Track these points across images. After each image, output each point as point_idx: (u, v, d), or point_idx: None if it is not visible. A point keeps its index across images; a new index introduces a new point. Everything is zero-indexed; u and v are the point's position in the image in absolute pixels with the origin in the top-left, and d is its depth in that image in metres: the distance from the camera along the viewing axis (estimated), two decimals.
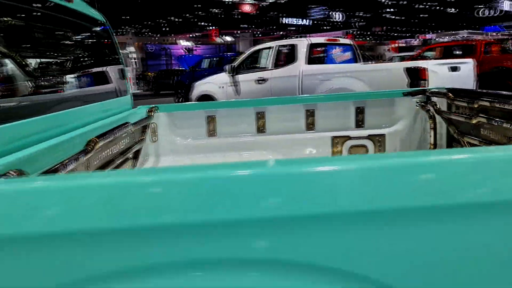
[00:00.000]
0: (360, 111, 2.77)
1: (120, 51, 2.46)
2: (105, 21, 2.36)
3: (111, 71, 2.44)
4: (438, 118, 2.61)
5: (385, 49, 33.34)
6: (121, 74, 2.52)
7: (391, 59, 20.31)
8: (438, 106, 2.59)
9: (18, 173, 1.05)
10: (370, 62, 11.76)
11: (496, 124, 1.99)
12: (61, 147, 1.44)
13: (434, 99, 2.64)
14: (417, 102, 2.73)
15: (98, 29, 2.30)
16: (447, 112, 2.52)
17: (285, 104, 2.79)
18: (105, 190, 0.83)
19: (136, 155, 2.36)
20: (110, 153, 1.93)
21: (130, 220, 0.82)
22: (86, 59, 2.23)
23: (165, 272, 0.87)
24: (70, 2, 1.87)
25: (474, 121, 2.16)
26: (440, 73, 5.99)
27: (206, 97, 9.04)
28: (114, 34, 2.49)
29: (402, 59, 15.85)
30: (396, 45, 30.76)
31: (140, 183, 0.84)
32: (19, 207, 0.82)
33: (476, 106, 2.16)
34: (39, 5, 1.68)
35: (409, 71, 6.03)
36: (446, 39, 21.75)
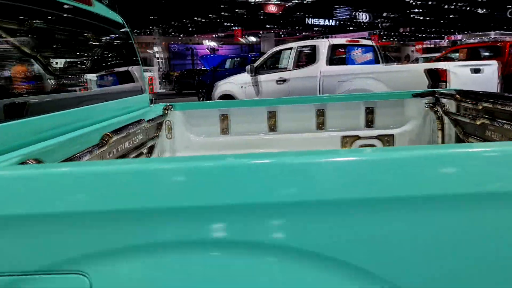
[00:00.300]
0: (369, 112, 2.81)
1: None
2: (124, 23, 2.49)
3: (129, 71, 2.57)
4: (446, 119, 2.64)
5: (412, 50, 32.83)
6: (138, 74, 2.65)
7: (416, 60, 20.01)
8: (446, 107, 2.62)
9: (36, 162, 1.16)
10: (395, 63, 11.66)
11: (497, 125, 2.02)
12: (78, 141, 1.56)
13: (443, 100, 2.66)
14: (426, 103, 2.75)
15: (117, 30, 2.43)
16: (454, 113, 2.55)
17: (296, 104, 2.86)
18: (111, 176, 0.94)
19: (150, 151, 2.48)
20: (124, 147, 2.05)
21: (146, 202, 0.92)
22: (105, 59, 2.36)
23: (182, 250, 0.95)
24: (91, 5, 2.00)
25: (478, 122, 2.18)
26: (461, 75, 5.93)
27: (227, 97, 9.18)
28: (133, 35, 2.62)
29: (427, 60, 15.62)
30: (421, 46, 30.23)
31: (165, 170, 0.94)
32: (33, 189, 0.93)
33: (480, 107, 2.19)
34: (63, 9, 1.81)
35: (430, 72, 5.98)
36: (473, 40, 21.24)
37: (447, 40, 31.83)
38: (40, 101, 1.56)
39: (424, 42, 34.72)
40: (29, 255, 0.94)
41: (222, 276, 0.97)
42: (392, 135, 2.80)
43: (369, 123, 2.83)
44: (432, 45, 32.21)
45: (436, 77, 5.86)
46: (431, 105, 2.72)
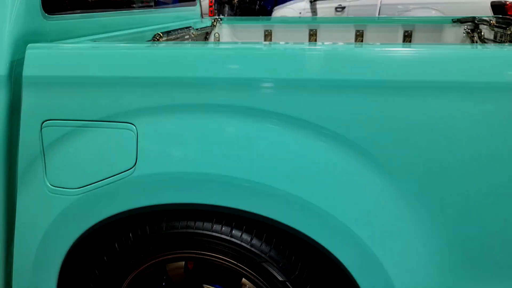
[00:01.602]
0: (407, 35, 2.89)
1: None
2: None
3: None
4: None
5: None
6: None
7: None
8: (483, 33, 2.64)
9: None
10: None
11: None
12: (134, 36, 1.89)
13: (481, 27, 2.68)
14: (464, 30, 2.78)
15: None
16: (488, 39, 2.58)
17: (336, 23, 2.99)
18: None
19: None
20: None
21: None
22: None
23: (222, 114, 1.14)
24: None
25: None
26: None
27: None
28: None
29: None
30: None
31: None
32: (98, 58, 1.26)
33: (509, 32, 2.23)
34: None
35: (495, 6, 5.65)
36: None
37: None
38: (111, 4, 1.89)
39: None
40: (92, 106, 1.23)
41: (256, 142, 1.13)
42: None
43: None
44: None
45: (502, 11, 5.53)
46: (469, 31, 2.75)
